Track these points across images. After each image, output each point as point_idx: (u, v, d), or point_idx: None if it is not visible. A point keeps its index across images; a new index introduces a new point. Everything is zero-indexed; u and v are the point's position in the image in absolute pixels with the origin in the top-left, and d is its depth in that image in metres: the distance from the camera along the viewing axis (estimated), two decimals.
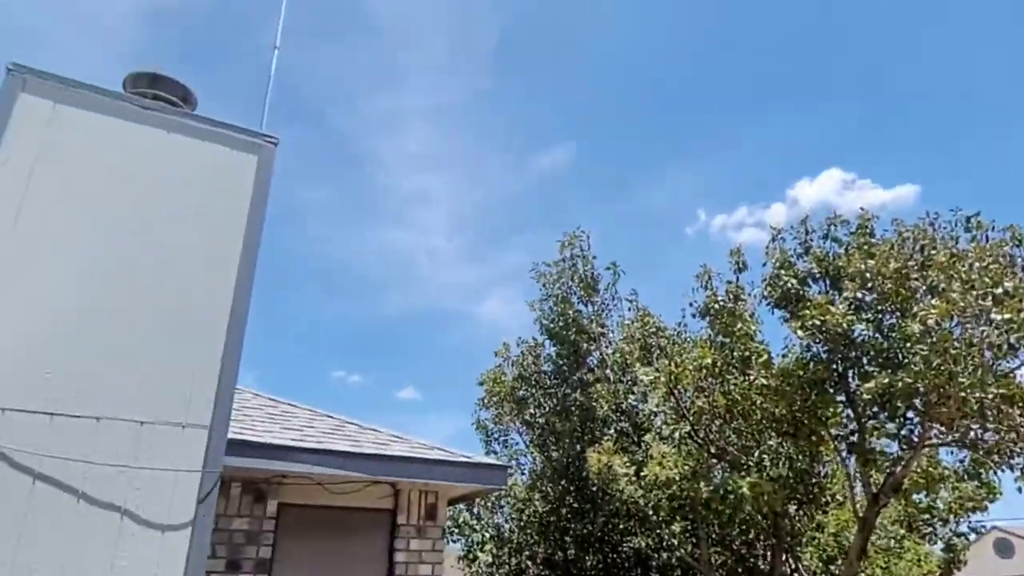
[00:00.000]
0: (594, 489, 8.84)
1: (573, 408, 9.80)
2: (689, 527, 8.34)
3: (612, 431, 9.12)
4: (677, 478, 6.96)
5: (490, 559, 10.18)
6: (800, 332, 7.61)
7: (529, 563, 10.24)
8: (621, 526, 9.24)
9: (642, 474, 7.13)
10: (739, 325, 7.73)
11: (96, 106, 5.55)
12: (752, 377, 7.65)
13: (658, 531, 8.53)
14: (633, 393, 9.20)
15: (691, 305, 8.57)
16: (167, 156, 5.69)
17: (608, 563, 9.56)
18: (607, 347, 9.97)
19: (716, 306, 8.01)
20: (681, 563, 8.55)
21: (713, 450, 8.09)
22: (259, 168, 5.96)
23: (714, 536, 8.31)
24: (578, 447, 9.27)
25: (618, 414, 9.44)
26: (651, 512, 7.70)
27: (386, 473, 5.90)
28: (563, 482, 9.67)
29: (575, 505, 9.85)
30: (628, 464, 7.52)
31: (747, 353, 7.65)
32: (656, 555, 8.93)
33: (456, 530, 10.86)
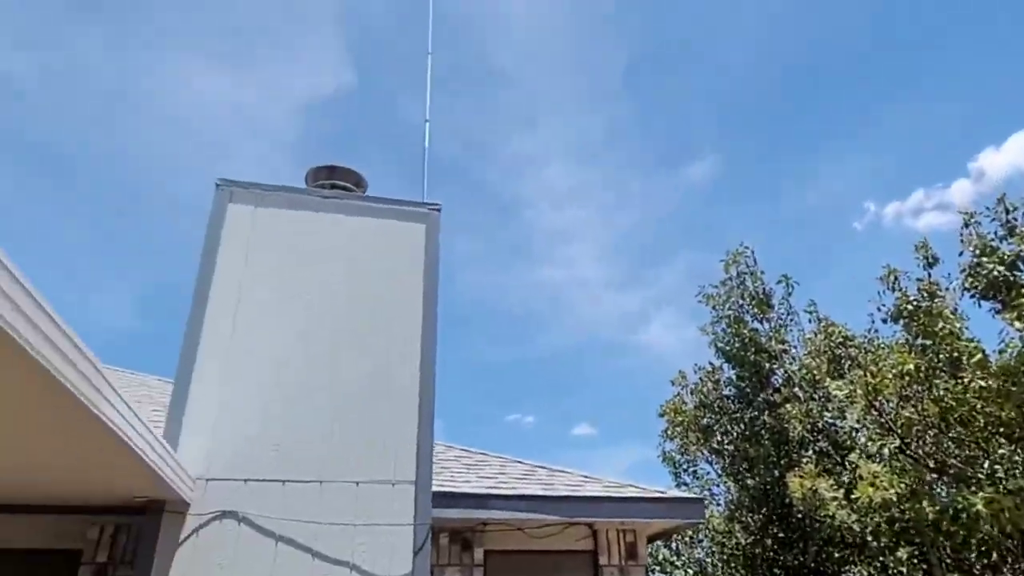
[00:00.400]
0: (800, 517, 8.25)
1: (763, 432, 9.28)
2: (917, 553, 7.49)
3: (810, 453, 8.51)
4: (895, 499, 6.31)
5: None
6: (1018, 324, 6.76)
7: None
8: (836, 555, 8.52)
9: (853, 496, 6.56)
10: (940, 324, 6.98)
11: (287, 203, 6.27)
12: (966, 379, 6.86)
13: (880, 559, 7.75)
14: (828, 410, 8.53)
15: (879, 310, 7.92)
16: (350, 235, 6.28)
17: None
18: (791, 364, 9.39)
19: (909, 307, 7.31)
20: None
21: (932, 464, 7.28)
22: (428, 233, 6.40)
23: (948, 561, 7.39)
24: (775, 472, 8.71)
25: (815, 434, 8.79)
26: (870, 538, 7.02)
27: (582, 514, 5.95)
28: (763, 511, 9.11)
29: (780, 535, 9.21)
30: (835, 487, 6.96)
31: (955, 354, 6.89)
32: None
33: (657, 567, 10.58)
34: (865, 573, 8.30)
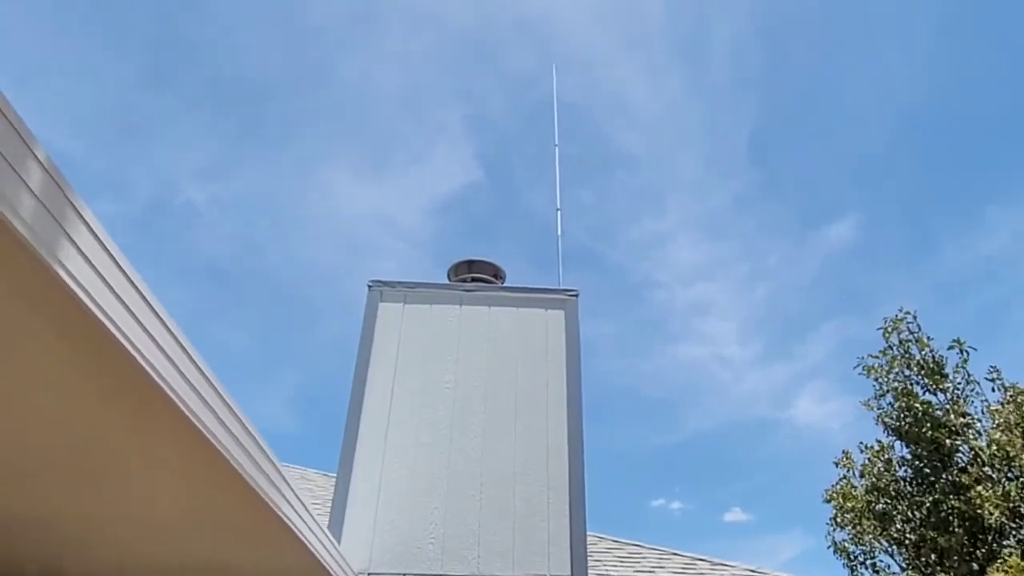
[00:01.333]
0: None
1: (952, 518, 8.15)
2: None
3: (1013, 542, 7.33)
4: None
5: None
6: None
7: None
8: None
9: None
10: None
11: (432, 299, 6.58)
12: None
13: None
14: None
15: None
16: (492, 325, 6.45)
17: None
18: (976, 439, 8.26)
19: None
20: None
21: None
22: (567, 318, 6.46)
23: None
24: (972, 566, 7.53)
25: (1016, 520, 7.57)
26: None
27: None
28: None
29: None
30: None
31: None
32: None
33: None
34: None
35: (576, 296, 6.63)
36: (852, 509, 9.23)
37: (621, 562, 6.39)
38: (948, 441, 8.22)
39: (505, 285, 7.02)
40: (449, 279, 7.22)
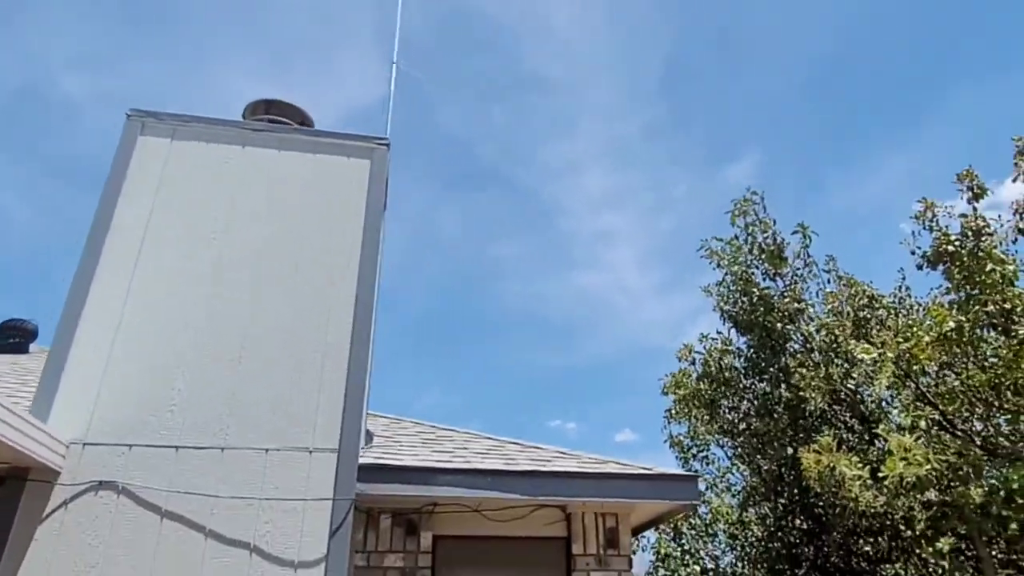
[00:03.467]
0: (822, 504, 7.13)
1: (778, 406, 8.16)
2: (961, 545, 6.32)
3: (831, 428, 7.35)
4: (934, 477, 5.24)
5: None
6: None
7: None
8: (867, 549, 7.37)
9: (880, 475, 5.49)
10: (989, 267, 5.86)
11: (209, 136, 5.53)
12: (1021, 336, 5.75)
13: (918, 552, 6.60)
14: (852, 377, 7.34)
15: (913, 254, 6.78)
16: (280, 171, 5.52)
17: None
18: (808, 324, 8.19)
19: (950, 248, 6.15)
20: None
21: (979, 443, 6.17)
22: (373, 170, 5.60)
23: (999, 556, 6.22)
24: (789, 450, 7.57)
25: (836, 406, 7.63)
26: (902, 527, 5.88)
27: (550, 492, 5.07)
28: (781, 498, 7.95)
29: (803, 526, 8.06)
30: (859, 464, 5.88)
31: (1007, 306, 5.77)
32: None
33: (660, 565, 9.50)
34: (902, 571, 7.17)
35: (387, 146, 5.77)
36: (683, 398, 9.16)
37: (423, 443, 5.83)
38: (780, 325, 8.11)
39: (303, 128, 6.04)
40: (244, 119, 6.16)
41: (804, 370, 7.35)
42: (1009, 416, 6.19)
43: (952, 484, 5.37)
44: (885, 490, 5.37)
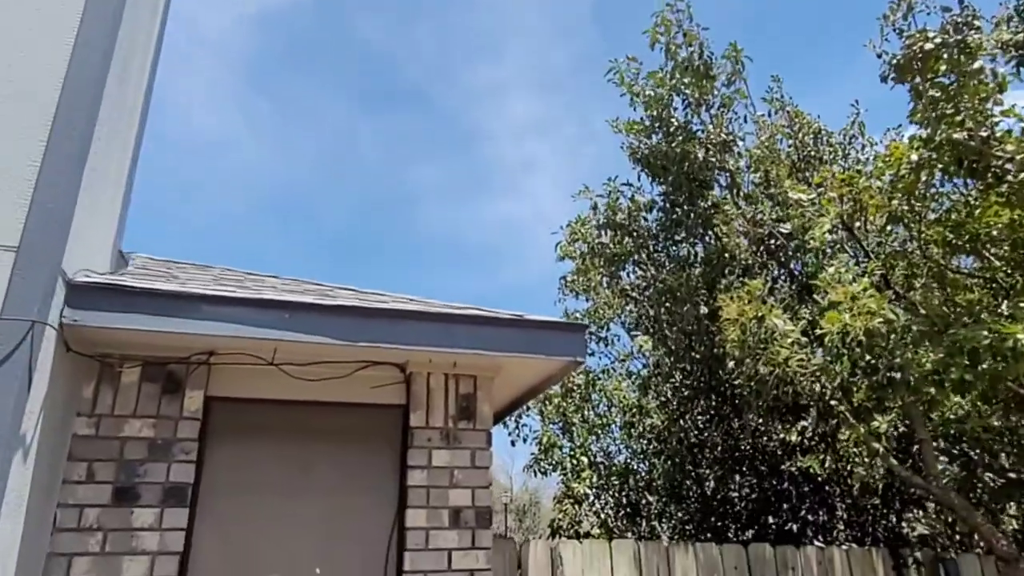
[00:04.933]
0: (735, 381, 6.01)
1: (693, 258, 6.86)
2: (900, 423, 5.39)
3: (760, 281, 5.99)
4: (883, 330, 4.15)
5: (589, 492, 7.62)
6: None
7: (647, 495, 7.62)
8: (783, 436, 6.36)
9: (819, 332, 4.36)
10: (977, 65, 4.59)
11: None
12: (998, 169, 4.59)
13: (843, 438, 5.65)
14: (784, 225, 6.02)
15: (880, 58, 5.50)
16: None
17: (765, 493, 6.87)
18: (737, 160, 6.81)
19: (926, 47, 4.80)
20: (893, 483, 5.56)
21: (927, 313, 5.09)
22: None
23: (937, 433, 5.28)
24: (704, 308, 6.33)
25: (764, 255, 6.37)
26: (835, 401, 4.78)
27: (376, 338, 3.60)
28: (688, 380, 6.80)
29: (711, 410, 7.36)
30: (792, 321, 4.76)
31: (984, 132, 4.59)
32: (845, 473, 6.03)
33: (542, 458, 8.38)
34: (817, 461, 6.25)
35: None
36: (582, 256, 7.74)
37: (214, 280, 4.19)
38: (702, 159, 6.67)
39: None
40: None
41: (728, 208, 6.05)
42: (962, 284, 5.16)
43: (903, 344, 4.30)
44: (823, 350, 4.25)
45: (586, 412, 8.11)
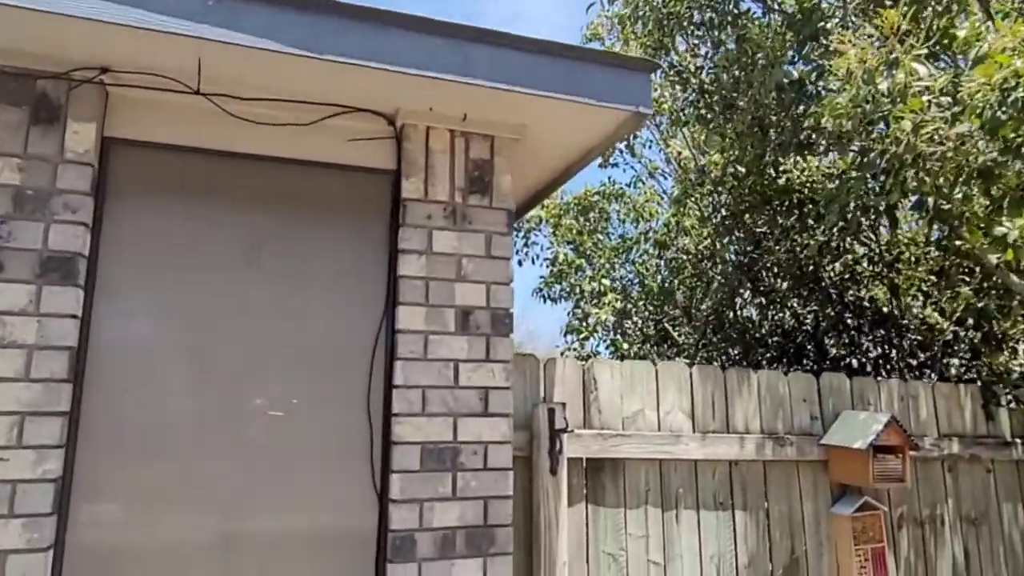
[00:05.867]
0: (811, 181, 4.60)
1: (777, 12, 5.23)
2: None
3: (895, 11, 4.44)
4: None
5: (611, 319, 6.59)
6: None
7: (684, 322, 6.45)
8: (860, 252, 5.06)
9: (960, 94, 3.15)
10: None
11: None
12: None
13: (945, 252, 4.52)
14: None
15: None
16: None
17: (830, 322, 5.29)
18: None
19: None
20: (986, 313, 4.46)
21: None
22: None
23: None
24: (792, 72, 4.73)
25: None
26: (958, 193, 3.53)
27: (360, 52, 2.42)
28: (747, 181, 5.23)
29: (770, 224, 5.34)
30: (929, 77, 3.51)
31: None
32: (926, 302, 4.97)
33: (553, 280, 7.31)
34: (884, 292, 5.16)
35: None
36: (614, 19, 5.98)
37: None
38: None
39: None
40: None
41: None
42: None
43: None
44: (968, 111, 3.07)
45: (608, 233, 7.03)
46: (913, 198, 3.58)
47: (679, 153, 6.60)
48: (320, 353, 2.69)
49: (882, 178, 3.49)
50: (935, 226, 3.97)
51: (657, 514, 3.40)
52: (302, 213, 2.76)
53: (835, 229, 4.57)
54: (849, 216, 3.88)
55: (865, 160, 3.58)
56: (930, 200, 3.38)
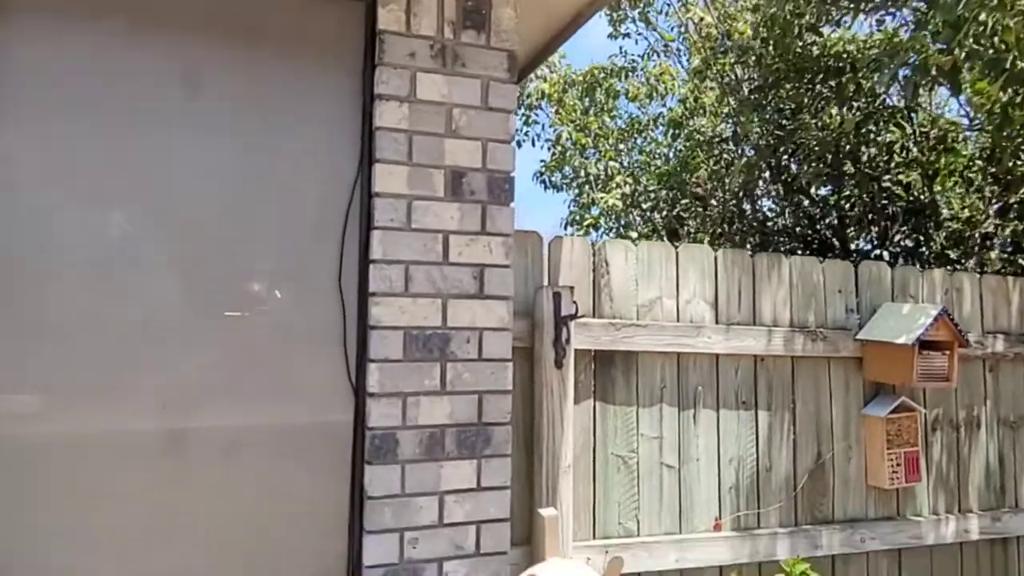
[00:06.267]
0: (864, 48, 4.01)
1: None
2: None
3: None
4: None
5: (619, 203, 6.06)
6: None
7: (700, 206, 5.83)
8: (892, 139, 4.59)
9: None
10: None
11: None
12: None
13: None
14: None
15: None
16: None
17: (865, 208, 4.77)
18: None
19: None
20: None
21: None
22: None
23: None
24: None
25: None
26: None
27: None
28: (778, 51, 4.55)
29: (802, 98, 4.69)
30: None
31: None
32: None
33: (555, 164, 6.78)
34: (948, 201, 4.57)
35: None
36: None
37: None
38: None
39: None
40: None
41: None
42: None
43: None
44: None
45: (615, 116, 6.41)
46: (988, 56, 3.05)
47: (700, 19, 5.90)
48: (282, 221, 2.23)
49: (950, 31, 2.96)
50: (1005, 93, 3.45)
51: (673, 413, 3.04)
52: (253, 43, 2.23)
53: (878, 102, 4.04)
54: (903, 82, 3.36)
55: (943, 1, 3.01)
56: (1011, 55, 2.85)
